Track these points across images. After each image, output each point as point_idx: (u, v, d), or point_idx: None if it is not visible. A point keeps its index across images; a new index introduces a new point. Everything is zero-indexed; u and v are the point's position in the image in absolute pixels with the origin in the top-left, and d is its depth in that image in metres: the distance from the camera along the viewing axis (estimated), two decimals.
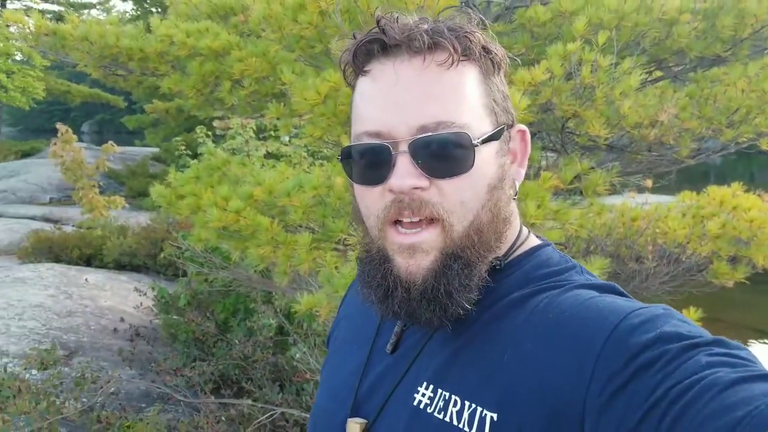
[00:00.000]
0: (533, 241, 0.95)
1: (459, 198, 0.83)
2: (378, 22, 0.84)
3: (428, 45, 0.81)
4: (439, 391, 0.84)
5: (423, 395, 0.86)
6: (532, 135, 3.42)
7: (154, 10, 23.37)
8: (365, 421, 0.92)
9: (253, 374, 4.51)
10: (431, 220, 0.83)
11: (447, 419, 0.81)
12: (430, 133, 0.81)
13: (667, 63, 3.69)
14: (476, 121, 0.84)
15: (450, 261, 0.83)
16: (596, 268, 2.69)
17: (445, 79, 0.82)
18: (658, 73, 3.82)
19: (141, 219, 10.91)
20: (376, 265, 0.88)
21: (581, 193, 3.21)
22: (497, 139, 0.87)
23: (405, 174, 0.81)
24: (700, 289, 3.82)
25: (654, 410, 0.65)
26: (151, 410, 4.38)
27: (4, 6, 26.34)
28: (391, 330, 0.98)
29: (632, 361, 0.69)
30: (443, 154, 0.81)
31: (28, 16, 4.34)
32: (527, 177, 3.20)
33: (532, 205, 2.62)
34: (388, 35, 0.82)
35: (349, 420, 0.93)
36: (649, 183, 4.25)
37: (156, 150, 20.23)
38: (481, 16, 0.90)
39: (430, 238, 0.83)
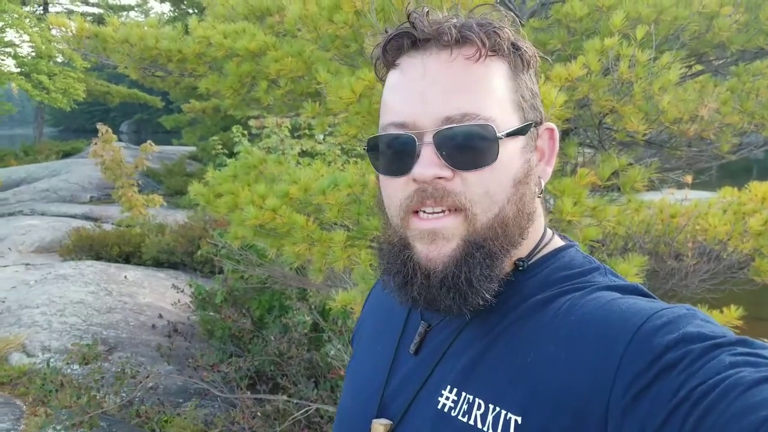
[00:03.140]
0: (557, 243, 0.95)
1: (483, 189, 0.83)
2: (408, 16, 0.85)
3: (456, 39, 0.82)
4: (463, 394, 0.84)
5: (447, 398, 0.86)
6: (569, 131, 3.38)
7: (191, 11, 23.72)
8: (390, 422, 0.91)
9: (288, 370, 4.56)
10: (455, 209, 0.83)
11: (471, 422, 0.81)
12: (454, 125, 0.81)
13: (707, 57, 3.61)
14: (502, 115, 0.83)
15: (472, 250, 0.83)
16: (634, 266, 2.65)
17: (472, 73, 0.82)
18: (699, 67, 3.74)
19: (178, 217, 11.12)
20: (396, 252, 0.88)
21: (619, 189, 3.17)
22: (523, 135, 0.86)
23: (428, 164, 0.82)
24: (741, 287, 3.74)
25: (678, 411, 0.64)
26: (188, 405, 4.47)
27: (46, 10, 27.05)
28: (416, 330, 0.97)
29: (655, 362, 0.69)
30: (467, 146, 0.81)
31: (69, 19, 4.45)
32: (564, 173, 3.18)
33: (569, 202, 2.60)
34: (417, 29, 0.83)
35: (374, 421, 0.93)
36: (689, 179, 4.15)
37: (193, 149, 20.56)
38: (514, 13, 0.90)
39: (452, 224, 0.83)
